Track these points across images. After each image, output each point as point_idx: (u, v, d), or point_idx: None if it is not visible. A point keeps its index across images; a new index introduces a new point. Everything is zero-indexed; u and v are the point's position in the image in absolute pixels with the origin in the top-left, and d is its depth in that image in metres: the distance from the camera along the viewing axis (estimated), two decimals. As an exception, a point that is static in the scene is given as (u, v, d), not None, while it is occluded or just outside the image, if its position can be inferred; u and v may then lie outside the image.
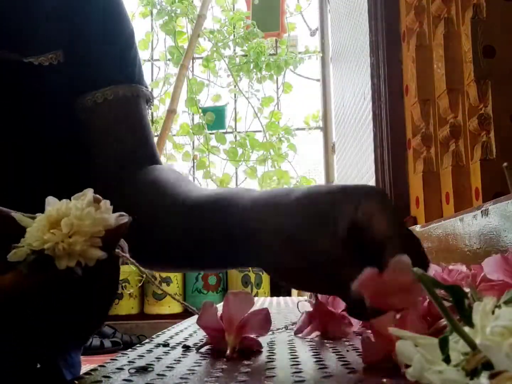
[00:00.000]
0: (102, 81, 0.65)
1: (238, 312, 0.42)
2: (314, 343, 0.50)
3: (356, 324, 0.54)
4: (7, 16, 0.61)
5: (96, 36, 0.66)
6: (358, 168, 1.76)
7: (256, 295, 3.30)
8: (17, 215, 0.34)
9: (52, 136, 0.64)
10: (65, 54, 0.64)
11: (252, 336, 0.44)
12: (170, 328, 0.66)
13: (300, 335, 0.54)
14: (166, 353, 0.46)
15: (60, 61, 0.63)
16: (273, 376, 0.35)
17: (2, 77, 0.60)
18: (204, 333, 0.48)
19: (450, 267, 0.49)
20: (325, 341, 0.51)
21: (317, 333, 0.53)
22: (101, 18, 0.67)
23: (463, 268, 0.48)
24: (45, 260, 0.32)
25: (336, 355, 0.43)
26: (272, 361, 0.41)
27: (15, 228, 0.34)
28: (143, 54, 3.96)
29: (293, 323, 0.60)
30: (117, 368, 0.39)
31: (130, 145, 0.65)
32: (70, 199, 0.35)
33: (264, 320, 0.44)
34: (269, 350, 0.46)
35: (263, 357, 0.43)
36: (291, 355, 0.44)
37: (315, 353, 0.44)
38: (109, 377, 0.37)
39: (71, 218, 0.33)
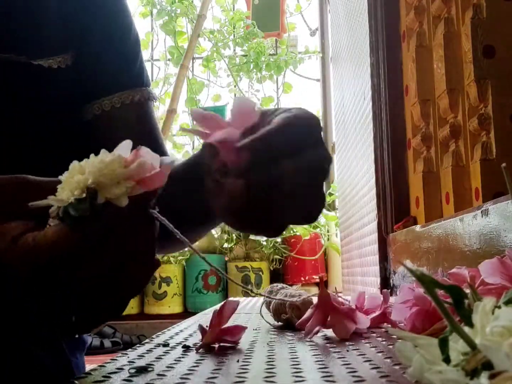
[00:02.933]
0: (115, 85, 0.66)
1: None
2: (314, 344, 0.50)
3: (364, 322, 0.53)
4: (14, 20, 0.61)
5: (104, 40, 0.66)
6: (358, 168, 1.76)
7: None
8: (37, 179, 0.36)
9: (59, 138, 0.64)
10: (74, 57, 0.64)
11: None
12: (170, 328, 0.66)
13: (301, 336, 0.54)
14: (166, 353, 0.46)
15: (69, 64, 0.63)
16: (273, 376, 0.35)
17: (11, 79, 0.60)
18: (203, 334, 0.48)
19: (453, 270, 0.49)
20: (326, 341, 0.51)
21: (318, 328, 0.52)
22: (109, 21, 0.67)
23: (464, 271, 0.48)
24: (87, 209, 0.33)
25: (337, 355, 0.43)
26: (272, 361, 0.41)
27: (33, 193, 0.35)
28: (143, 54, 3.95)
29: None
30: (117, 368, 0.39)
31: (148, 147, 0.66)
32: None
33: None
34: (269, 350, 0.46)
35: (263, 357, 0.43)
36: (291, 355, 0.44)
37: (315, 354, 0.44)
38: (109, 377, 0.37)
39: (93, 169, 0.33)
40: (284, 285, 0.72)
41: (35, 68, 0.60)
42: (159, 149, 0.68)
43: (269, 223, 0.38)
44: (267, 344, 0.50)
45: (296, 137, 0.37)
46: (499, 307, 0.24)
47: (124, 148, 0.35)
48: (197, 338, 0.56)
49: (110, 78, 0.66)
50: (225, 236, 3.55)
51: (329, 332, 0.59)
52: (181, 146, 3.95)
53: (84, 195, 0.33)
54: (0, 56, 0.59)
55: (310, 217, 0.38)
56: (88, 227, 0.33)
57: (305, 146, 0.37)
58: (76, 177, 0.34)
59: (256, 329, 0.63)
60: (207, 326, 0.49)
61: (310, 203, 0.38)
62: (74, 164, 0.35)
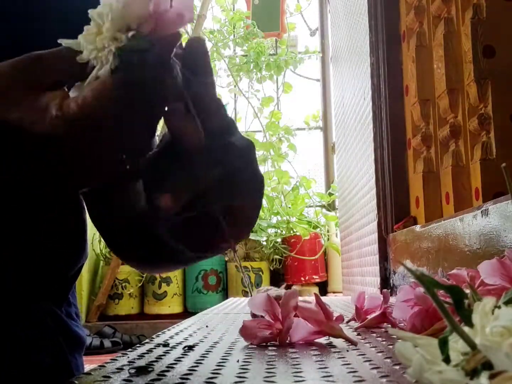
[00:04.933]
0: None
1: None
2: (314, 344, 0.50)
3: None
4: (17, 24, 0.61)
5: None
6: (358, 168, 1.76)
7: (256, 295, 3.30)
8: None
9: None
10: None
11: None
12: (170, 328, 0.66)
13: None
14: (166, 353, 0.46)
15: None
16: (273, 376, 0.35)
17: None
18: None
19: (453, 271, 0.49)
20: (326, 342, 0.51)
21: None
22: None
23: (464, 272, 0.48)
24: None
25: (337, 355, 0.43)
26: (272, 361, 0.41)
27: (49, 63, 0.36)
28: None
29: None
30: (117, 368, 0.39)
31: None
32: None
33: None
34: (268, 350, 0.46)
35: (263, 357, 0.43)
36: (291, 355, 0.44)
37: (315, 354, 0.44)
38: (109, 377, 0.37)
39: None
40: (270, 287, 0.74)
41: None
42: None
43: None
44: (267, 344, 0.50)
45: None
46: (499, 307, 0.24)
47: None
48: (197, 338, 0.56)
49: None
50: (225, 236, 3.54)
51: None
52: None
53: (123, 38, 0.33)
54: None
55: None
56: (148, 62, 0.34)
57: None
58: (104, 26, 0.34)
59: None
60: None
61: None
62: (93, 15, 0.35)
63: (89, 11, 0.35)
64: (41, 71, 0.36)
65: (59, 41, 0.37)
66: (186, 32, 3.92)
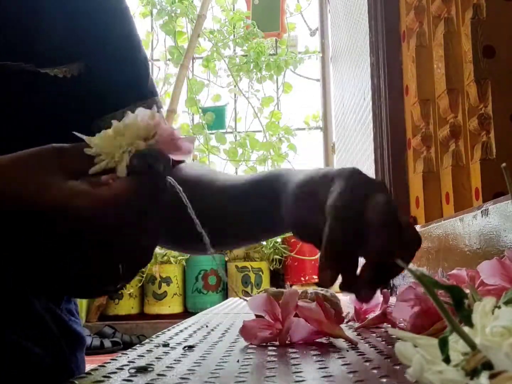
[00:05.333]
0: (128, 98, 0.65)
1: None
2: (314, 344, 0.50)
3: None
4: (22, 29, 0.61)
5: (117, 54, 0.66)
6: (358, 168, 1.76)
7: (256, 295, 3.30)
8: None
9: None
10: (82, 68, 0.64)
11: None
12: (170, 328, 0.66)
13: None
14: (166, 353, 0.46)
15: (75, 75, 0.63)
16: (273, 376, 0.35)
17: (18, 87, 0.60)
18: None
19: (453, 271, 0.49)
20: (326, 341, 0.51)
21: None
22: (121, 33, 0.67)
23: (463, 272, 0.48)
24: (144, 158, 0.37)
25: (337, 355, 0.43)
26: (272, 361, 0.41)
27: (69, 158, 0.38)
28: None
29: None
30: (117, 368, 0.39)
31: None
32: None
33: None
34: (268, 350, 0.46)
35: (263, 357, 0.43)
36: (291, 355, 0.44)
37: (315, 354, 0.44)
38: (109, 377, 0.37)
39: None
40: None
41: (42, 76, 0.60)
42: None
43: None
44: (267, 344, 0.50)
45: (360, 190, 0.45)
46: (499, 307, 0.24)
47: (142, 112, 0.39)
48: (197, 338, 0.56)
49: (124, 90, 0.66)
50: (225, 236, 3.55)
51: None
52: (181, 146, 3.95)
53: (141, 145, 0.37)
54: (9, 65, 0.59)
55: (387, 253, 0.43)
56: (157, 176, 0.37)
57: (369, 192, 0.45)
58: (117, 139, 0.38)
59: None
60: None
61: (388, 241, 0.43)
62: (107, 131, 0.38)
63: (113, 121, 0.39)
64: (64, 163, 0.38)
65: (79, 135, 0.39)
66: (186, 32, 3.92)
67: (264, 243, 3.53)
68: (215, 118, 3.84)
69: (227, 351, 0.47)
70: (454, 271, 0.49)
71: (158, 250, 2.92)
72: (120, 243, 0.36)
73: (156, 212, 0.38)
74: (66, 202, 0.35)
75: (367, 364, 0.39)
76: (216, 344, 0.51)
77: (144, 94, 0.68)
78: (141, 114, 0.39)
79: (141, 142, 0.37)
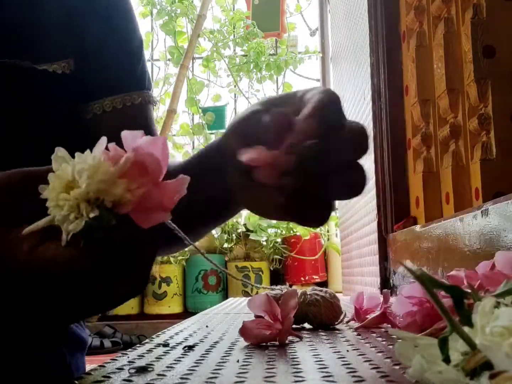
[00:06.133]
0: (117, 87, 0.66)
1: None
2: (314, 344, 0.50)
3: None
4: (18, 26, 0.61)
5: (107, 43, 0.66)
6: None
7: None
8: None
9: (60, 140, 0.64)
10: (77, 62, 0.64)
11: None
12: (170, 328, 0.66)
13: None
14: (166, 353, 0.46)
15: (72, 70, 0.63)
16: (273, 376, 0.35)
17: (16, 83, 0.60)
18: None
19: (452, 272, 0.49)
20: (326, 342, 0.51)
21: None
22: (112, 25, 0.67)
23: (462, 273, 0.48)
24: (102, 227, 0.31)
25: (337, 355, 0.43)
26: (272, 361, 0.41)
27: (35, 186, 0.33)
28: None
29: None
30: (117, 368, 0.39)
31: None
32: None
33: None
34: (269, 350, 0.46)
35: (263, 357, 0.43)
36: (291, 355, 0.44)
37: (315, 354, 0.44)
38: (109, 377, 0.37)
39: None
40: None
41: (40, 73, 0.60)
42: None
43: (317, 205, 0.41)
44: (267, 344, 0.50)
45: (333, 116, 0.40)
46: (497, 297, 0.24)
47: (101, 146, 0.32)
48: (197, 338, 0.56)
49: (112, 80, 0.66)
50: (225, 236, 3.55)
51: (329, 332, 0.59)
52: (181, 146, 3.95)
53: (91, 206, 0.31)
54: (6, 62, 0.59)
55: (356, 189, 0.41)
56: (112, 243, 0.32)
57: (340, 123, 0.40)
58: (73, 192, 0.31)
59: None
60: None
61: (355, 175, 0.41)
62: (54, 178, 0.32)
63: (69, 164, 0.33)
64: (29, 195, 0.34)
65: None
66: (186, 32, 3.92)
67: (264, 243, 3.53)
68: (215, 118, 3.84)
69: (227, 351, 0.47)
70: (453, 272, 0.49)
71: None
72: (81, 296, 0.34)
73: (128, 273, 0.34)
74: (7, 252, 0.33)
75: (367, 364, 0.39)
76: (216, 344, 0.51)
77: (135, 85, 0.67)
78: (100, 151, 0.32)
79: (94, 208, 0.31)
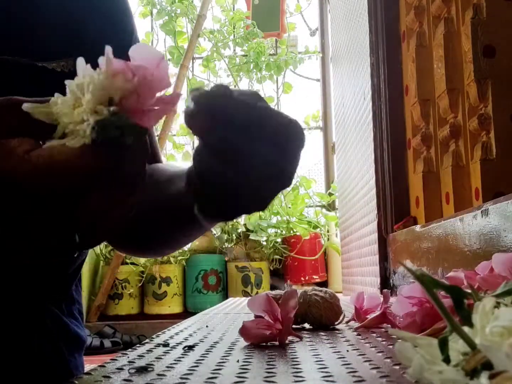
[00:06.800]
0: None
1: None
2: (314, 344, 0.50)
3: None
4: (18, 23, 0.61)
5: (108, 44, 0.66)
6: (358, 168, 1.76)
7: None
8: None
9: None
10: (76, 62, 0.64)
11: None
12: (170, 328, 0.66)
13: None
14: (166, 353, 0.46)
15: (72, 69, 0.63)
16: (273, 376, 0.35)
17: (16, 80, 0.60)
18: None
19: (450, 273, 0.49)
20: (326, 341, 0.51)
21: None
22: (111, 28, 0.67)
23: (461, 274, 0.48)
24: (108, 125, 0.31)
25: (337, 355, 0.43)
26: (272, 361, 0.41)
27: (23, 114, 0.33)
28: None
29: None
30: (117, 368, 0.39)
31: None
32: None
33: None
34: (269, 350, 0.46)
35: (263, 357, 0.43)
36: (291, 355, 0.44)
37: (315, 354, 0.44)
38: (109, 377, 0.37)
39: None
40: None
41: (40, 70, 0.60)
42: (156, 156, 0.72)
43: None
44: (267, 344, 0.50)
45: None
46: (497, 297, 0.24)
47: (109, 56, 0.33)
48: (197, 338, 0.56)
49: None
50: (225, 236, 3.55)
51: (329, 332, 0.59)
52: (181, 146, 3.95)
53: (104, 112, 0.31)
54: (6, 59, 0.59)
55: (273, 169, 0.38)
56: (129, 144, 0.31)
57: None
58: (85, 97, 0.32)
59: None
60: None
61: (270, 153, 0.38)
62: (71, 86, 0.33)
63: (67, 82, 0.33)
64: (17, 120, 0.33)
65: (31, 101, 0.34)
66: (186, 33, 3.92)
67: (264, 243, 3.53)
68: (215, 118, 3.83)
69: (227, 351, 0.47)
70: (451, 273, 0.49)
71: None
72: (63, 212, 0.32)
73: (120, 188, 0.32)
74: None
75: (367, 364, 0.39)
76: (216, 344, 0.51)
77: None
78: (102, 67, 0.33)
79: (102, 109, 0.31)
